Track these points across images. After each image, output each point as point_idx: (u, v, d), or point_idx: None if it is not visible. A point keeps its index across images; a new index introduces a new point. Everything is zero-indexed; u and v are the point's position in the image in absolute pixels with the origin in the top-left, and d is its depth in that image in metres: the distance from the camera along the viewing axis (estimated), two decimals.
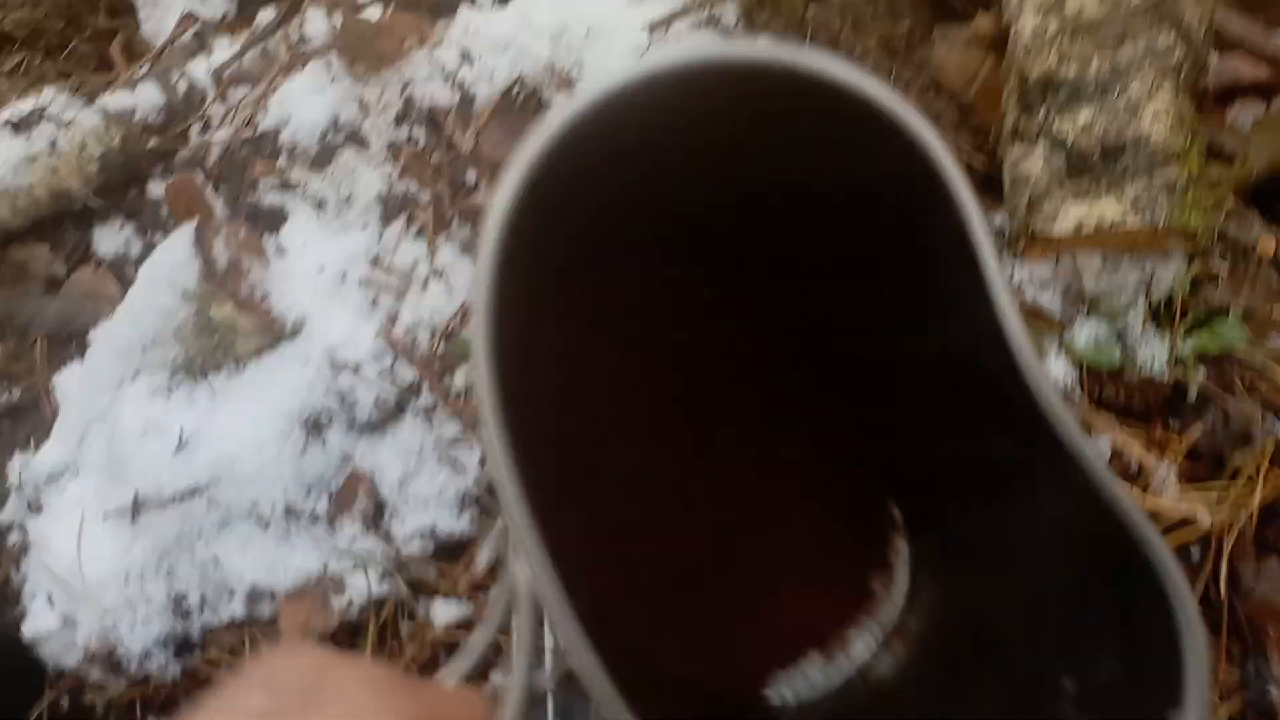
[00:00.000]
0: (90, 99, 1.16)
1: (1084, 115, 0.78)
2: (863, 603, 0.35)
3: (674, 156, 0.24)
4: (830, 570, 0.36)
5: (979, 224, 0.24)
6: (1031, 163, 0.80)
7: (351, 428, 0.85)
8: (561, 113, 0.22)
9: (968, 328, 0.23)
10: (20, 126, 1.10)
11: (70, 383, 0.95)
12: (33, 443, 0.94)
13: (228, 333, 0.87)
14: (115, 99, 1.13)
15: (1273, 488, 0.73)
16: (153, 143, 1.11)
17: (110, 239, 1.16)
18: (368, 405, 0.85)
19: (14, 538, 0.88)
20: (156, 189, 1.13)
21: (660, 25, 1.00)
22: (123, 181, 1.14)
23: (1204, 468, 0.76)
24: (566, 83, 1.01)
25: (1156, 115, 0.76)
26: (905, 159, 0.22)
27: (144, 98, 1.13)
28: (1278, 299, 0.78)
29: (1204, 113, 0.92)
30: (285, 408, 0.84)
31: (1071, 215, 0.77)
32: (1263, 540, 0.75)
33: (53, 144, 1.10)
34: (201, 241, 0.87)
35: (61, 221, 1.18)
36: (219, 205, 1.05)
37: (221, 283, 0.86)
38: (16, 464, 0.92)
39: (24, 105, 1.11)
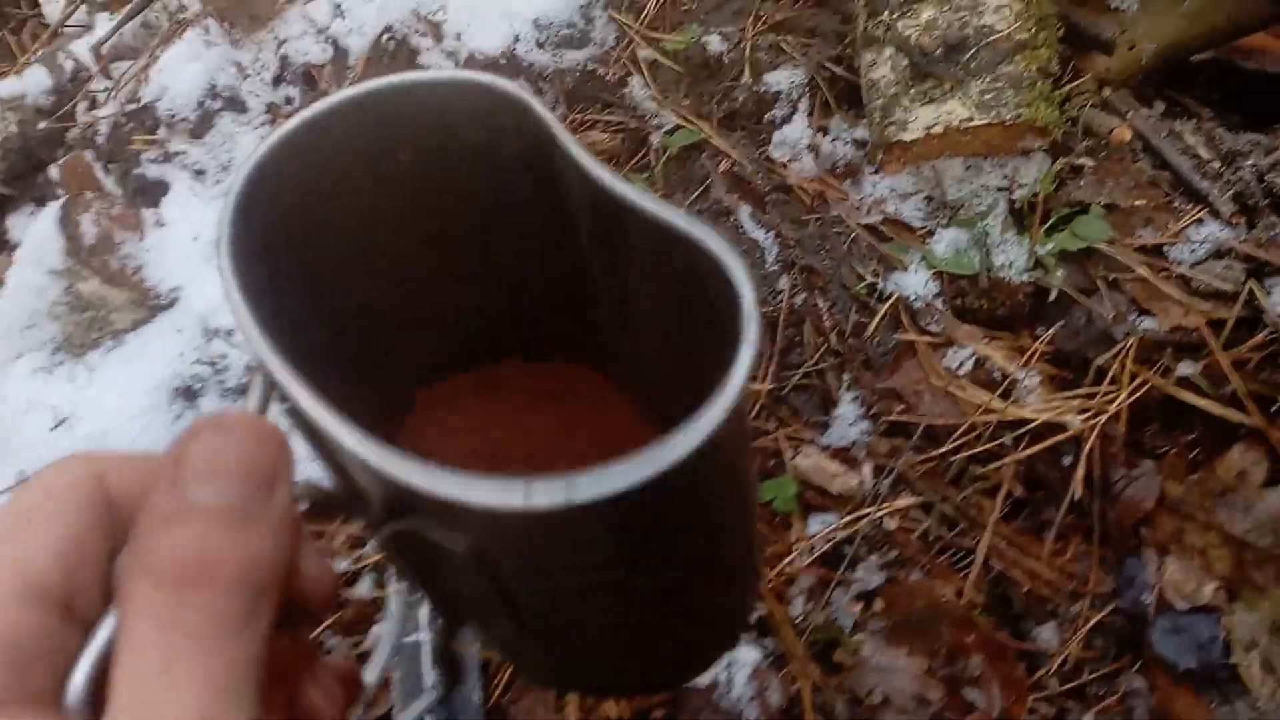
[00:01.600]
0: None
1: (926, 12, 0.74)
2: None
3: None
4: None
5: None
6: (880, 68, 0.76)
7: (224, 394, 0.85)
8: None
9: None
10: None
11: None
12: None
13: (100, 308, 0.87)
14: (7, 85, 1.13)
15: (1139, 387, 0.70)
16: (44, 125, 1.11)
17: (22, 225, 1.17)
18: (239, 371, 0.85)
19: None
20: (57, 172, 1.13)
21: None
22: (27, 167, 1.14)
23: (1070, 372, 0.73)
24: (434, 27, 0.99)
25: (999, 6, 0.72)
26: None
27: (33, 82, 1.12)
28: (1145, 190, 0.74)
29: (1086, 2, 0.88)
30: (157, 378, 0.84)
31: (921, 119, 0.74)
32: (1136, 443, 0.73)
33: None
34: (66, 218, 0.87)
35: None
36: (109, 182, 1.05)
37: (87, 259, 0.86)
38: None
39: None
